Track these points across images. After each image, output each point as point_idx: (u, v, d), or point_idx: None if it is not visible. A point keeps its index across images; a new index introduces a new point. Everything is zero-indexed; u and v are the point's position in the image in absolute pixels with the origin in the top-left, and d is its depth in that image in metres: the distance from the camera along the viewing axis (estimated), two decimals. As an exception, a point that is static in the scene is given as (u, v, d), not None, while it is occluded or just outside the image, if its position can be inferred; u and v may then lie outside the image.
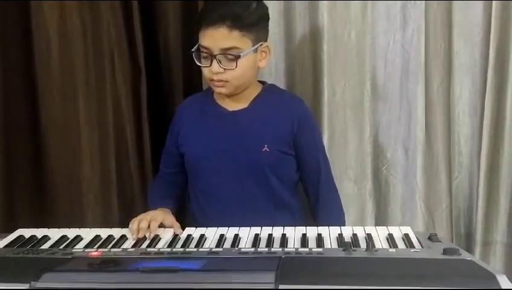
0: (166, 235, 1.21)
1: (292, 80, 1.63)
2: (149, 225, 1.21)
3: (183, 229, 1.24)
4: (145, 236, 1.19)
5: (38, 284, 0.86)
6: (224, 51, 1.27)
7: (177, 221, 1.27)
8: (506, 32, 1.52)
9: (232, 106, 1.39)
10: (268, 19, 1.37)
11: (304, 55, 1.60)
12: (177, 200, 1.46)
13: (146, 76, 1.57)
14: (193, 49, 1.32)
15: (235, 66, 1.28)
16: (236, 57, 1.27)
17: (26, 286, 0.85)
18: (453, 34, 1.56)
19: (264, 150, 1.34)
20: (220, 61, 1.28)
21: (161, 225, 1.24)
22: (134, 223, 1.21)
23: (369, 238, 1.11)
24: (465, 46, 1.58)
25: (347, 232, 1.16)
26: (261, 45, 1.32)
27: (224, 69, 1.28)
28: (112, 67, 1.55)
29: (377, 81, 1.61)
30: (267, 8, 1.36)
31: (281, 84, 1.61)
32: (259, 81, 1.44)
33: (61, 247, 1.13)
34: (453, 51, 1.57)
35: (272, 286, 0.82)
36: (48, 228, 1.25)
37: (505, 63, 1.53)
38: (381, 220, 1.65)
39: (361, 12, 1.56)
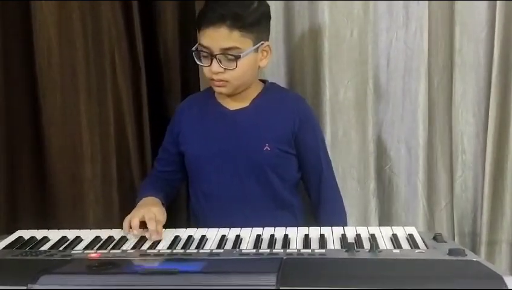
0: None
1: (293, 79, 1.62)
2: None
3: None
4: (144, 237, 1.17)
5: (36, 287, 0.85)
6: (225, 51, 1.26)
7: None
8: (510, 29, 1.50)
9: (233, 105, 1.38)
10: (270, 18, 1.36)
11: (305, 54, 1.59)
12: (166, 197, 1.41)
13: (146, 76, 1.57)
14: (193, 49, 1.31)
15: (235, 66, 1.27)
16: (237, 57, 1.26)
17: (23, 288, 0.84)
18: (456, 31, 1.54)
19: (265, 149, 1.33)
20: (220, 61, 1.27)
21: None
22: (126, 222, 1.20)
23: (372, 238, 1.09)
24: (469, 44, 1.56)
25: (350, 232, 1.14)
26: (262, 44, 1.31)
27: (225, 69, 1.27)
28: (113, 67, 1.55)
29: (380, 80, 1.59)
30: (268, 6, 1.35)
31: (282, 83, 1.60)
32: (261, 80, 1.43)
33: (60, 248, 1.12)
34: (456, 48, 1.55)
35: (272, 288, 0.81)
36: (49, 228, 1.24)
37: (510, 60, 1.52)
38: (384, 219, 1.64)
39: (364, 9, 1.55)
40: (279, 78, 1.60)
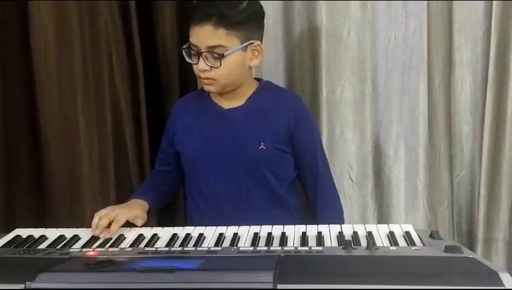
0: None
1: (291, 78, 1.62)
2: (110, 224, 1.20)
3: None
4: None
5: (34, 285, 0.84)
6: (210, 49, 1.26)
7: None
8: (507, 28, 1.51)
9: (228, 104, 1.38)
10: (262, 17, 1.34)
11: (303, 53, 1.59)
12: (164, 196, 1.44)
13: (144, 76, 1.57)
14: (184, 46, 1.32)
15: (219, 65, 1.27)
16: (221, 56, 1.26)
17: (22, 286, 0.84)
18: (454, 30, 1.55)
19: (260, 148, 1.33)
20: (206, 59, 1.27)
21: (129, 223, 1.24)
22: (95, 218, 1.21)
23: (369, 236, 1.10)
24: (467, 42, 1.57)
25: (347, 230, 1.14)
26: (252, 43, 1.30)
27: (211, 67, 1.28)
28: (110, 67, 1.55)
29: (378, 79, 1.59)
30: (260, 6, 1.34)
31: (281, 82, 1.59)
32: (256, 79, 1.43)
33: (58, 247, 1.12)
34: (455, 47, 1.56)
35: (270, 286, 0.81)
36: (47, 227, 1.24)
37: (506, 59, 1.51)
38: (383, 220, 1.63)
39: (361, 8, 1.54)
40: (278, 77, 1.60)
